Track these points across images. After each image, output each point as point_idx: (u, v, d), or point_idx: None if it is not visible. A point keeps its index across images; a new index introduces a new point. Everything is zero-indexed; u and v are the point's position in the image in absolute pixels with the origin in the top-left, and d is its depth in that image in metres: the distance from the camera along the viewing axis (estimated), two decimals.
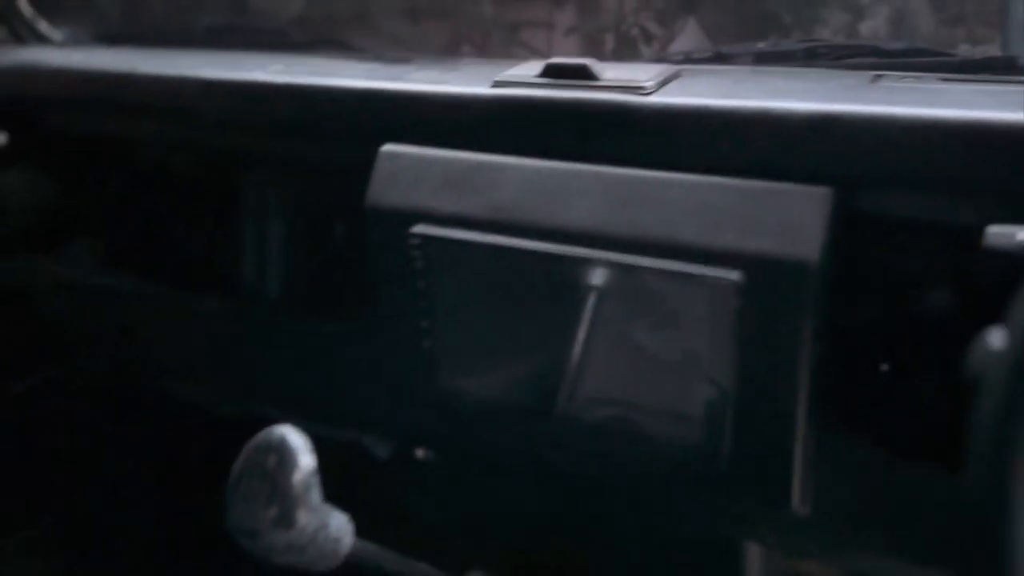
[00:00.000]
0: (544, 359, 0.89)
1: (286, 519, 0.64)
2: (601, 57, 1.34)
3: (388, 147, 0.97)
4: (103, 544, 1.66)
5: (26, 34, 1.48)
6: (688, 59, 1.01)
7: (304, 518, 0.66)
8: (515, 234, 0.87)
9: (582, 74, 0.86)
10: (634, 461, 0.91)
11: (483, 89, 0.92)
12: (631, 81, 0.84)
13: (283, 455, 0.65)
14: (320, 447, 1.49)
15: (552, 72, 0.88)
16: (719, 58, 1.01)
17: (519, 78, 0.90)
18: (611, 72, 0.87)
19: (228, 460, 1.64)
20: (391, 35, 1.28)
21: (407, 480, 1.44)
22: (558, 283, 0.86)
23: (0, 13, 1.46)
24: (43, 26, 1.49)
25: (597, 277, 0.84)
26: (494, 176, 0.89)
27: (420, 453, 1.40)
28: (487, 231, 0.88)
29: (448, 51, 1.38)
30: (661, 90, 0.84)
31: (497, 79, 0.92)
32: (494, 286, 0.90)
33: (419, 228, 0.92)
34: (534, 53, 1.44)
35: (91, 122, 1.31)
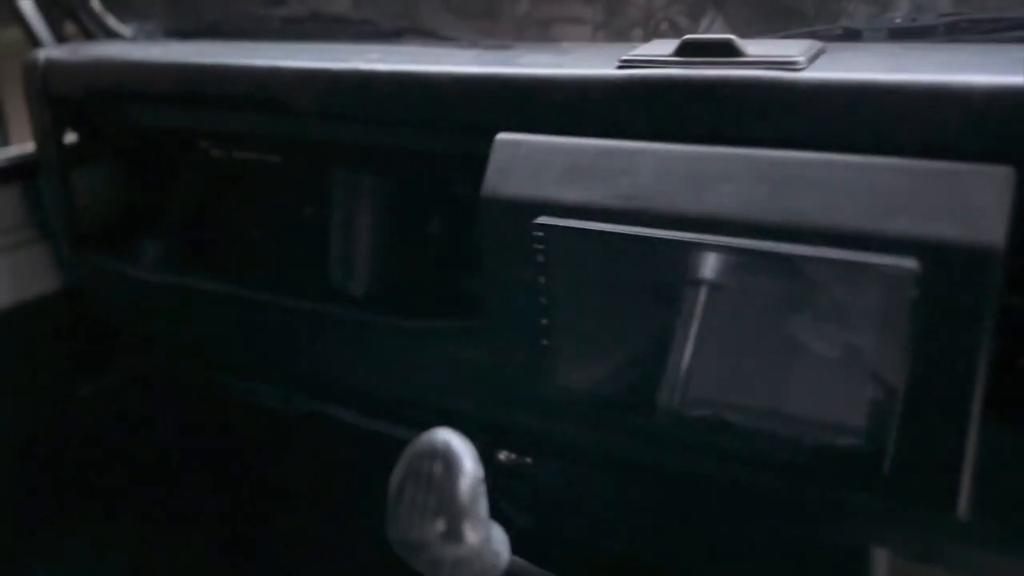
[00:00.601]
0: (682, 358, 0.84)
1: (454, 532, 0.59)
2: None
3: (504, 135, 0.91)
4: (171, 542, 1.63)
5: (95, 30, 1.44)
6: (814, 35, 0.95)
7: (472, 531, 0.60)
8: (652, 223, 0.81)
9: (727, 50, 0.80)
10: (780, 463, 0.85)
11: (610, 71, 0.86)
12: (781, 57, 0.79)
13: (450, 462, 0.60)
14: (398, 450, 1.46)
15: (690, 50, 0.82)
16: (849, 35, 0.95)
17: (650, 57, 0.85)
18: (754, 48, 0.81)
19: (298, 459, 1.61)
20: (435, 31, 1.22)
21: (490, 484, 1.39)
22: (701, 276, 0.80)
23: (69, 9, 1.42)
24: (112, 21, 1.45)
25: (747, 268, 0.78)
26: (627, 162, 0.83)
27: (503, 456, 1.35)
28: (620, 221, 0.83)
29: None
30: (814, 65, 0.79)
31: (624, 59, 0.86)
32: (626, 280, 0.84)
33: (542, 219, 0.87)
34: None
35: (170, 117, 1.27)
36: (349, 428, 1.47)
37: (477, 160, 0.95)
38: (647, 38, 1.54)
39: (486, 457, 1.34)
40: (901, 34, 0.93)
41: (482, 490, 0.63)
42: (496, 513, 1.38)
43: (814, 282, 0.75)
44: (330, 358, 1.28)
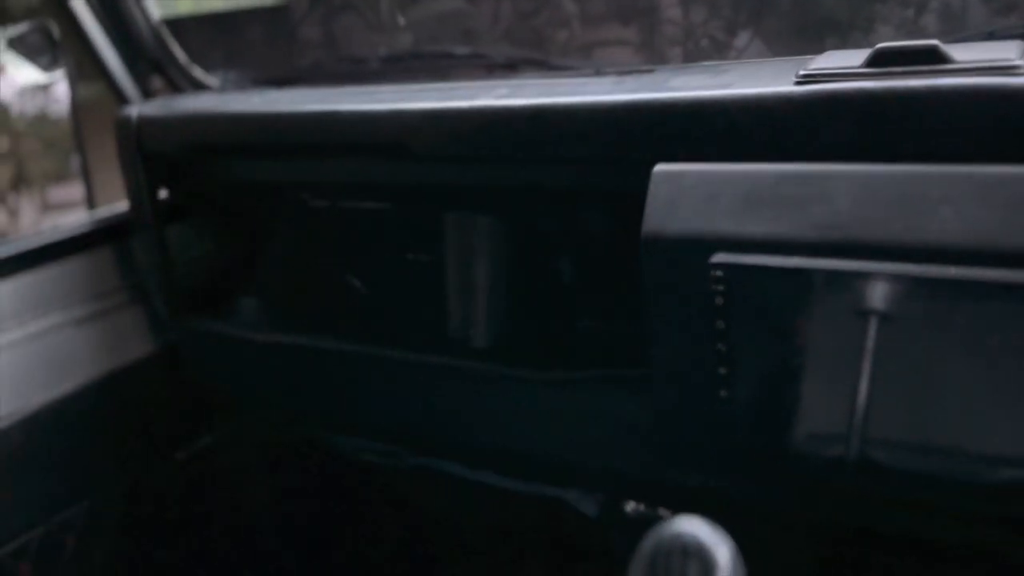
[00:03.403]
0: (892, 406, 0.74)
1: None
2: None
3: (663, 166, 0.83)
4: None
5: (182, 82, 1.39)
6: (992, 36, 0.86)
7: None
8: (858, 255, 0.72)
9: (931, 57, 0.71)
10: (1008, 520, 0.75)
11: (790, 88, 0.78)
12: (997, 60, 0.69)
13: (705, 562, 0.51)
14: (520, 503, 1.37)
15: (886, 59, 0.74)
16: None
17: (835, 70, 0.76)
18: (960, 53, 0.72)
19: (407, 515, 1.53)
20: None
21: (621, 537, 1.30)
22: (918, 313, 0.71)
23: (156, 63, 1.38)
24: (199, 72, 1.40)
25: (981, 302, 0.68)
26: (820, 187, 0.74)
27: (630, 507, 1.26)
28: (817, 254, 0.74)
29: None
30: None
31: (805, 73, 0.78)
32: (823, 320, 0.75)
33: (719, 257, 0.78)
34: None
35: (272, 170, 1.21)
36: (460, 482, 1.39)
37: (623, 195, 0.87)
38: (687, 56, 1.49)
39: (613, 509, 1.26)
40: None
41: None
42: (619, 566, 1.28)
43: None
44: (448, 412, 1.20)
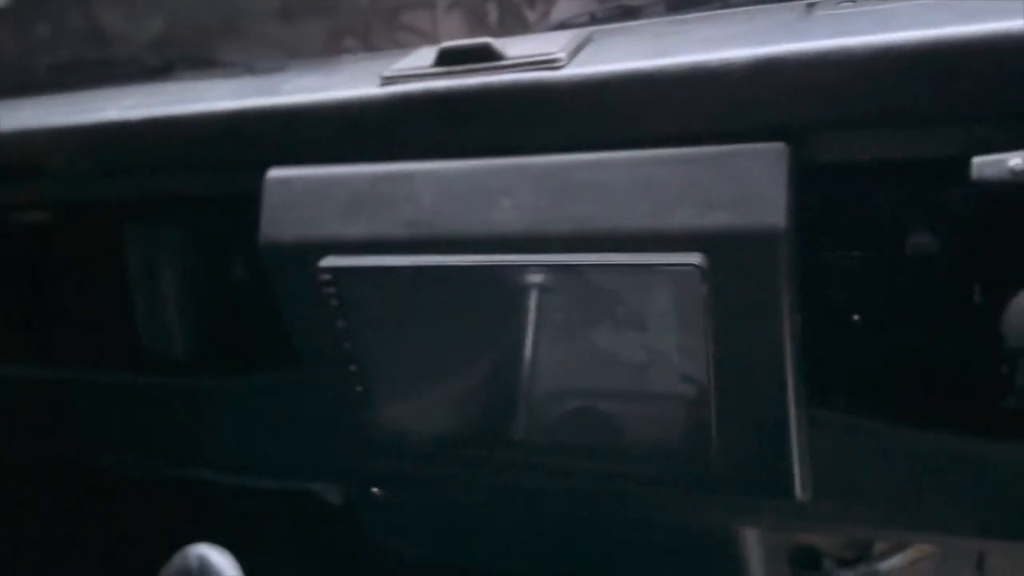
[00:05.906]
0: (496, 380, 0.79)
1: None
2: (488, 27, 1.21)
3: (274, 172, 0.83)
4: None
5: None
6: (593, 20, 0.90)
7: None
8: (438, 250, 0.75)
9: (484, 55, 0.74)
10: (611, 470, 0.81)
11: (371, 90, 0.79)
12: (540, 55, 0.73)
13: None
14: (270, 499, 1.38)
15: (448, 58, 0.76)
16: (626, 13, 0.90)
17: (410, 71, 0.78)
18: (516, 48, 0.76)
19: (170, 527, 1.51)
20: (265, 41, 1.13)
21: (368, 521, 1.33)
22: (497, 297, 0.75)
23: None
24: None
25: (540, 283, 0.73)
26: (406, 186, 0.77)
27: (376, 491, 1.29)
28: (406, 251, 0.76)
29: (329, 49, 1.24)
30: (576, 60, 0.73)
31: (385, 75, 0.79)
32: (424, 312, 0.79)
33: (327, 261, 0.80)
34: (419, 35, 1.33)
35: None
36: (212, 487, 1.38)
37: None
38: (502, 11, 1.48)
39: (357, 495, 1.28)
40: (677, 5, 0.89)
41: None
42: (381, 549, 1.32)
43: (608, 290, 0.71)
44: (169, 426, 1.19)
